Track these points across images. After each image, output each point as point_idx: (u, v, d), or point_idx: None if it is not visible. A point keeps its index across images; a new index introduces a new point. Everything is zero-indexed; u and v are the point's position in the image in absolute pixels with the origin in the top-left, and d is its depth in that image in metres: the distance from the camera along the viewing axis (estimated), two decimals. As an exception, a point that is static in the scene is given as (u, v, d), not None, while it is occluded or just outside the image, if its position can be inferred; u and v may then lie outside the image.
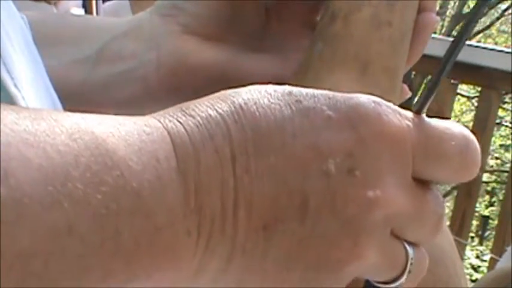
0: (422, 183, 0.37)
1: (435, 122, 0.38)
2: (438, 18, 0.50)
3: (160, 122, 0.33)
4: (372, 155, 0.35)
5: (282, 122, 0.34)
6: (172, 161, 0.32)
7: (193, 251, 0.33)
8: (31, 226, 0.27)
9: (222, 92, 0.35)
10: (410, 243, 0.37)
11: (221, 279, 0.34)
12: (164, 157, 0.32)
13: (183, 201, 0.32)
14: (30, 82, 0.41)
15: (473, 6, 0.39)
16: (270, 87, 0.35)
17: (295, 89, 0.36)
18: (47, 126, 0.29)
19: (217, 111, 0.34)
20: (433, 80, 0.38)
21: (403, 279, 0.37)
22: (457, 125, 0.38)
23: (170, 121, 0.33)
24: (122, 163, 0.30)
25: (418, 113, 0.37)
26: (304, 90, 0.35)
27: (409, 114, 0.37)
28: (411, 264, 0.37)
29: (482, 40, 7.53)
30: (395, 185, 0.35)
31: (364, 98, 0.36)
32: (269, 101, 0.35)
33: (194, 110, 0.34)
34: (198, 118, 0.34)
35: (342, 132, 0.35)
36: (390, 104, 0.36)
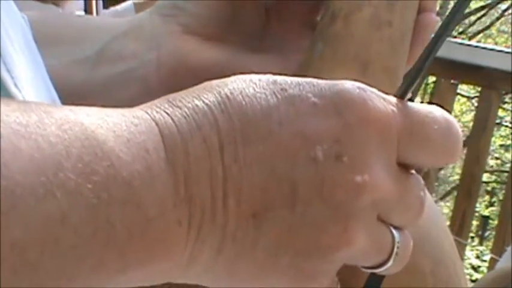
0: (405, 168, 0.38)
1: (418, 107, 0.38)
2: (438, 18, 0.51)
3: (147, 113, 0.33)
4: (359, 140, 0.35)
5: (268, 111, 0.34)
6: (161, 151, 0.32)
7: (185, 242, 0.33)
8: (24, 216, 0.28)
9: (208, 83, 0.36)
10: (395, 228, 0.38)
11: (212, 269, 0.35)
12: (153, 148, 0.32)
13: (172, 192, 0.32)
14: (30, 82, 0.41)
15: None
16: (255, 77, 0.36)
17: (280, 78, 0.36)
18: (37, 118, 0.30)
19: (203, 101, 0.34)
20: (416, 66, 0.38)
21: (390, 263, 0.38)
22: (438, 109, 0.39)
23: (157, 112, 0.34)
24: (111, 154, 0.31)
25: (401, 98, 0.38)
26: (288, 79, 0.36)
27: (393, 99, 0.37)
28: (398, 247, 0.38)
29: (482, 40, 7.53)
30: (382, 169, 0.36)
31: (348, 84, 0.36)
32: (254, 90, 0.35)
33: (181, 101, 0.34)
34: (185, 109, 0.34)
35: (328, 119, 0.35)
36: (374, 90, 0.37)
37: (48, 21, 0.58)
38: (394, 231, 0.38)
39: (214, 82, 0.36)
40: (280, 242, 0.35)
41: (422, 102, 6.24)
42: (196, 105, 0.34)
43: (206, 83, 0.36)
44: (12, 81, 0.38)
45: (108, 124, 0.32)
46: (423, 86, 6.24)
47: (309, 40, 0.51)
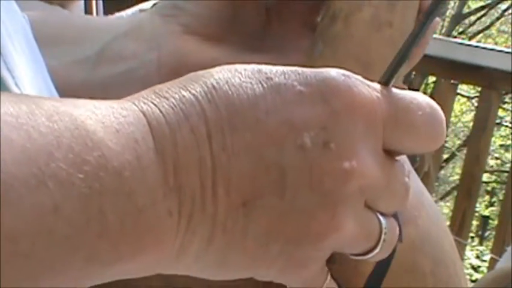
0: (390, 155, 0.38)
1: (402, 93, 0.38)
2: (439, 19, 0.51)
3: (135, 104, 0.34)
4: (345, 127, 0.35)
5: (254, 100, 0.35)
6: (149, 142, 0.33)
7: (175, 232, 0.33)
8: (17, 207, 0.28)
9: (193, 74, 0.36)
10: (382, 214, 0.38)
11: (202, 259, 0.35)
12: (142, 138, 0.32)
13: (162, 182, 0.32)
14: (31, 81, 0.41)
15: None
16: (240, 66, 0.36)
17: (265, 67, 0.36)
18: (28, 109, 0.30)
19: (190, 92, 0.34)
20: (401, 52, 0.39)
21: (377, 250, 0.38)
22: (421, 95, 0.39)
23: (145, 103, 0.34)
24: (101, 144, 0.31)
25: (385, 84, 0.38)
26: (273, 68, 0.36)
27: (378, 86, 0.37)
28: (385, 234, 0.38)
29: (482, 40, 7.53)
30: (369, 156, 0.36)
31: (333, 72, 0.36)
32: (240, 79, 0.35)
33: (168, 92, 0.34)
34: (172, 99, 0.34)
35: (314, 106, 0.35)
36: (358, 77, 0.37)
37: (49, 21, 0.58)
38: (380, 217, 0.38)
39: (200, 73, 0.36)
40: (270, 230, 0.35)
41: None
42: (183, 96, 0.34)
43: (192, 74, 0.36)
44: (13, 80, 0.38)
45: (96, 115, 0.32)
46: (423, 86, 6.23)
47: (309, 40, 0.51)
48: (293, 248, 0.35)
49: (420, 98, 0.38)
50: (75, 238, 0.30)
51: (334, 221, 0.35)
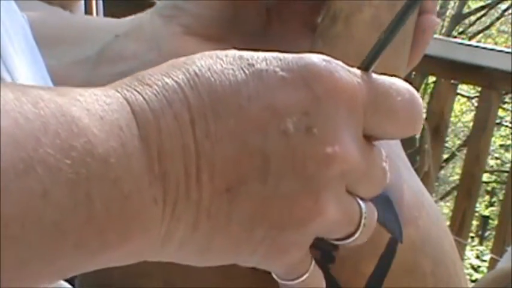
0: (368, 140, 0.38)
1: (381, 79, 0.38)
2: (439, 20, 0.51)
3: (118, 91, 0.34)
4: (328, 112, 0.36)
5: (237, 86, 0.35)
6: (133, 129, 0.33)
7: (161, 220, 0.33)
8: (6, 191, 0.28)
9: (175, 60, 0.36)
10: (361, 199, 0.39)
11: (187, 246, 0.35)
12: (126, 125, 0.32)
13: (147, 169, 0.33)
14: (31, 82, 0.41)
15: None
16: (221, 53, 0.36)
17: (246, 53, 0.36)
18: (14, 96, 0.30)
19: (173, 79, 0.35)
20: (382, 39, 0.39)
21: (357, 234, 0.39)
22: (400, 80, 0.39)
23: (128, 91, 0.34)
24: (87, 130, 0.31)
25: (365, 70, 0.38)
26: (255, 54, 0.36)
27: (358, 71, 0.38)
28: (365, 218, 0.38)
29: (482, 40, 7.52)
30: (351, 141, 0.36)
31: (314, 57, 0.36)
32: (222, 66, 0.35)
33: (150, 79, 0.35)
34: (155, 87, 0.34)
35: (296, 92, 0.35)
36: (339, 62, 0.37)
37: (48, 22, 0.58)
38: (360, 202, 0.38)
39: (181, 59, 0.36)
40: (254, 215, 0.35)
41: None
42: (166, 83, 0.34)
43: (174, 61, 0.36)
44: (13, 82, 0.38)
45: (81, 103, 0.32)
46: (423, 86, 6.23)
47: (310, 40, 0.51)
48: (277, 233, 0.36)
49: (399, 83, 0.39)
50: (64, 224, 0.30)
51: (317, 206, 0.35)
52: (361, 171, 0.37)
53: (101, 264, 0.33)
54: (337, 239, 0.39)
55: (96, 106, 0.32)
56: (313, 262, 0.39)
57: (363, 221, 0.38)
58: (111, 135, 0.32)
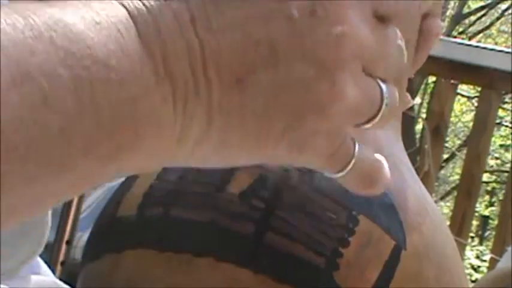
0: (381, 21, 0.37)
1: None
2: (443, 23, 0.50)
3: None
4: None
5: None
6: (132, 31, 0.32)
7: (173, 118, 0.33)
8: (5, 100, 0.27)
9: None
10: (382, 80, 0.38)
11: (203, 144, 0.34)
12: (124, 28, 0.32)
13: (152, 71, 0.32)
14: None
15: None
16: None
17: None
18: (3, 10, 0.29)
19: None
20: None
21: (380, 115, 0.37)
22: None
23: None
24: (83, 35, 0.30)
25: None
26: None
27: None
28: (386, 98, 0.37)
29: (482, 40, 7.53)
30: (359, 20, 0.35)
31: None
32: None
33: None
34: None
35: None
36: None
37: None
38: (380, 82, 0.37)
39: None
40: (269, 105, 0.34)
41: (422, 102, 6.23)
42: None
43: None
44: None
45: (74, 10, 0.31)
46: (423, 86, 6.23)
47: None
48: (297, 122, 0.35)
49: None
50: (71, 130, 0.29)
51: (335, 89, 0.35)
52: (376, 50, 0.36)
53: (112, 173, 0.32)
54: (360, 124, 0.38)
55: (90, 12, 0.31)
56: (358, 147, 0.38)
57: (384, 100, 0.37)
58: (109, 40, 0.31)
